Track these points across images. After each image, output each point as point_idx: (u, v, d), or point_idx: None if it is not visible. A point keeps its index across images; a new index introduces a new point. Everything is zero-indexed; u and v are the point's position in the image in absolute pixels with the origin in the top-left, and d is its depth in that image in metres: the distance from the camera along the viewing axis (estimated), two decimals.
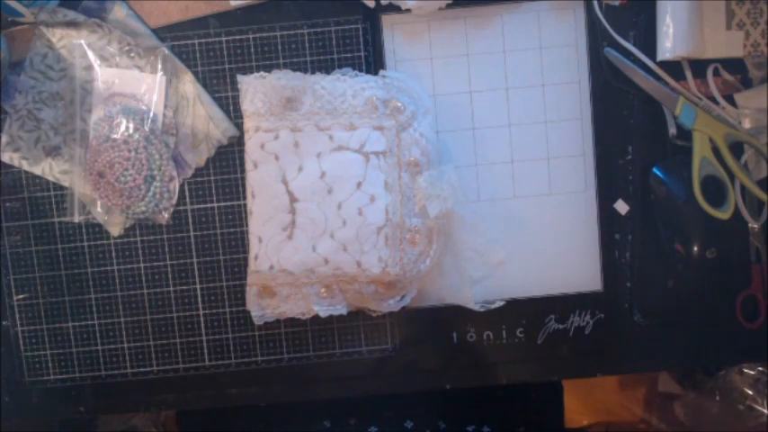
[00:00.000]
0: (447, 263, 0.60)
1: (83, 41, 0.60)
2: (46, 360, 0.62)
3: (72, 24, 0.59)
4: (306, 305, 0.58)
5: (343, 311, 0.59)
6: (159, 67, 0.59)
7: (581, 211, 0.62)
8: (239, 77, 0.58)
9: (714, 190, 0.60)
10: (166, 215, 0.61)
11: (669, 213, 0.61)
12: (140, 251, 0.61)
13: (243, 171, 0.60)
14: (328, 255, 0.57)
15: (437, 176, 0.57)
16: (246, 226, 0.60)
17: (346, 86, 0.58)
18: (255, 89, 0.57)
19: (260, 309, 0.59)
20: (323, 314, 0.58)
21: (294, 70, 0.58)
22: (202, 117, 0.60)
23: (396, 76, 0.59)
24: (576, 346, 0.61)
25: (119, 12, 0.59)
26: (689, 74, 0.61)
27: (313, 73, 0.59)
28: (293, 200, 0.57)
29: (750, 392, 0.78)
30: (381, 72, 0.59)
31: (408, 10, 0.59)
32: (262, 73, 0.58)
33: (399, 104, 0.58)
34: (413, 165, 0.57)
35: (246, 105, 0.57)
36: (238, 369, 0.62)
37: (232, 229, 0.61)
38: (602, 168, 0.62)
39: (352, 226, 0.57)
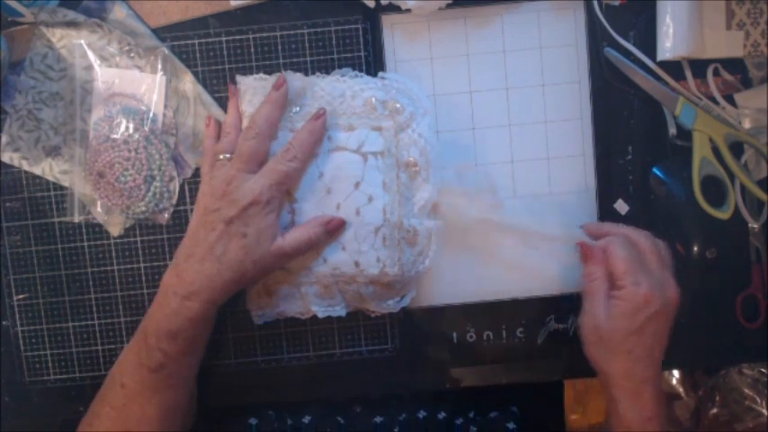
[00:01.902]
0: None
1: (83, 41, 0.60)
2: (46, 360, 0.62)
3: (72, 24, 0.59)
4: (304, 305, 0.58)
5: (342, 313, 0.59)
6: (159, 67, 0.59)
7: (581, 211, 0.62)
8: (238, 78, 0.58)
9: (714, 190, 0.60)
10: (166, 215, 0.61)
11: (669, 213, 0.61)
12: (140, 251, 0.61)
13: None
14: (326, 254, 0.57)
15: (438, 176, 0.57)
16: None
17: (345, 87, 0.58)
18: (255, 90, 0.57)
19: (260, 308, 0.59)
20: (321, 315, 0.58)
21: (294, 70, 0.58)
22: (202, 117, 0.60)
23: (395, 77, 0.59)
24: (576, 346, 0.61)
25: (119, 12, 0.59)
26: (689, 74, 0.60)
27: (313, 73, 0.59)
28: (292, 200, 0.57)
29: (750, 392, 0.78)
30: (380, 74, 0.59)
31: (408, 10, 0.59)
32: (261, 74, 0.58)
33: (398, 105, 0.57)
34: (411, 165, 0.57)
35: (246, 106, 0.57)
36: (238, 369, 0.62)
37: None
38: (602, 168, 0.61)
39: (350, 226, 0.56)
